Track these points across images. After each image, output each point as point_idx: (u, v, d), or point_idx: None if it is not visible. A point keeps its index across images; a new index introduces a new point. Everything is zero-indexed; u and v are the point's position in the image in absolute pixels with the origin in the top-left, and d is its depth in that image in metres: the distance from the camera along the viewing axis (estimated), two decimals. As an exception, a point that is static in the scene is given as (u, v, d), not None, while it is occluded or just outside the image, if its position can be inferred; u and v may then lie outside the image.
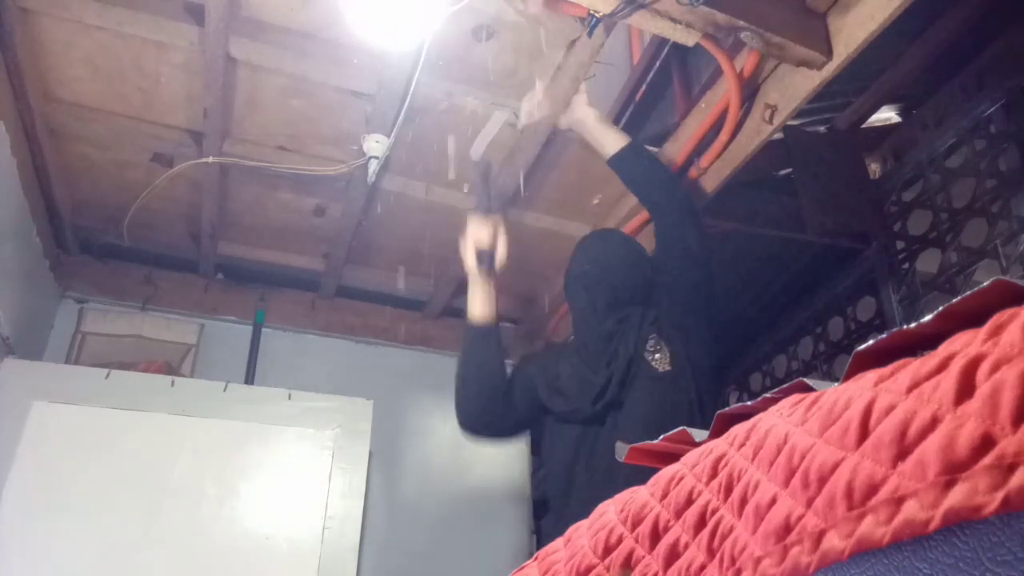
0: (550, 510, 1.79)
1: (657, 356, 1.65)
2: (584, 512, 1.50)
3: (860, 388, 0.52)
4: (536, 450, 2.04)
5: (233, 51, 1.68)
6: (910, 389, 0.47)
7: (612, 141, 1.79)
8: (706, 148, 1.81)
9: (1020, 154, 1.91)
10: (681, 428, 0.83)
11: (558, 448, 1.72)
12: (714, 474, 0.65)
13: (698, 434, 0.80)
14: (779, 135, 1.92)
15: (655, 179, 1.77)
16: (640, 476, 1.36)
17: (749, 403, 0.73)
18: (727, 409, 0.76)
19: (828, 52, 1.44)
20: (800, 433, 0.55)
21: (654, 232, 1.81)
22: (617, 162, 1.78)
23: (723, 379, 3.13)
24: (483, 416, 1.83)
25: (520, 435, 2.08)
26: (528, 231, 2.35)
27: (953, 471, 0.40)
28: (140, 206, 2.15)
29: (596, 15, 1.42)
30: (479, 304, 1.85)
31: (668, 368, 1.64)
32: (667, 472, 0.73)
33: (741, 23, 1.39)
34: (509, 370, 1.88)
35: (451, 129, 1.95)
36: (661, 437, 0.86)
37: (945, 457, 0.41)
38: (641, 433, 1.56)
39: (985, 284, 0.49)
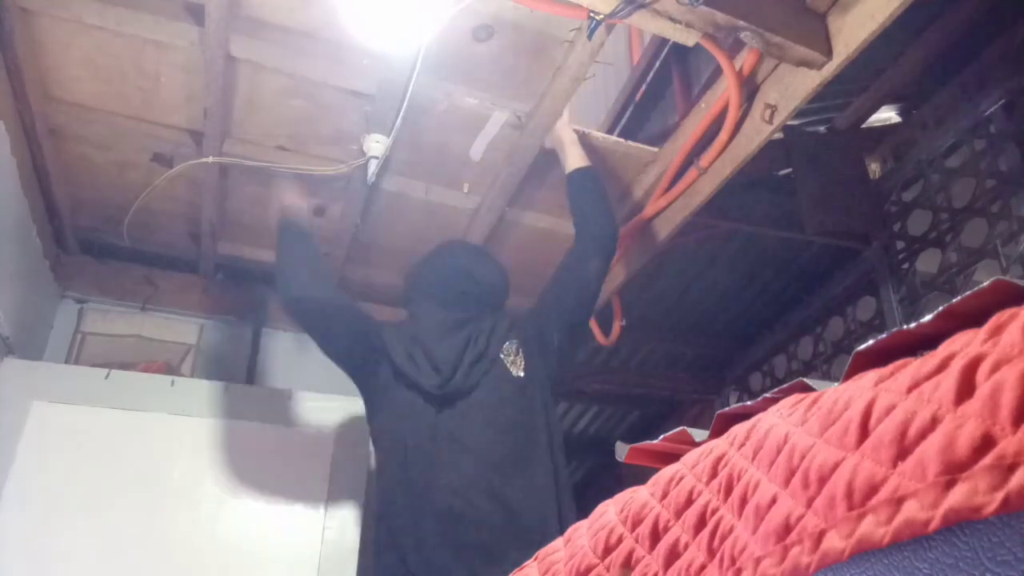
0: (407, 482, 1.64)
1: (513, 360, 1.76)
2: (453, 483, 1.59)
3: (860, 388, 0.52)
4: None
5: (233, 50, 1.67)
6: (910, 389, 0.47)
7: (578, 160, 1.90)
8: (706, 148, 1.81)
9: (1020, 154, 1.91)
10: (681, 428, 0.83)
11: (410, 423, 1.71)
12: (714, 474, 0.65)
13: (698, 434, 0.80)
14: (779, 135, 1.92)
15: (596, 206, 1.87)
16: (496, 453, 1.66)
17: (749, 403, 0.73)
18: (727, 409, 0.76)
19: (828, 52, 1.44)
20: (800, 433, 0.55)
21: (570, 248, 1.91)
22: (573, 176, 1.89)
23: (723, 379, 3.14)
24: (310, 286, 1.82)
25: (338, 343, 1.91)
26: (528, 231, 2.35)
27: (953, 471, 0.40)
28: (140, 206, 2.15)
29: (596, 16, 1.42)
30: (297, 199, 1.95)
31: (521, 374, 1.75)
32: (667, 472, 0.73)
33: (741, 23, 1.39)
34: None
35: (451, 129, 1.95)
36: (661, 437, 0.86)
37: (945, 457, 0.41)
38: (486, 427, 1.66)
39: (985, 284, 0.49)
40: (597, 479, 3.95)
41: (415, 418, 1.70)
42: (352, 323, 1.82)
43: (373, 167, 1.93)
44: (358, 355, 1.80)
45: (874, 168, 2.40)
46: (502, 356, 1.75)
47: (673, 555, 0.63)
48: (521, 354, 1.77)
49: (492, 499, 1.59)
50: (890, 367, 0.52)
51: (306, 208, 1.99)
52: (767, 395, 0.70)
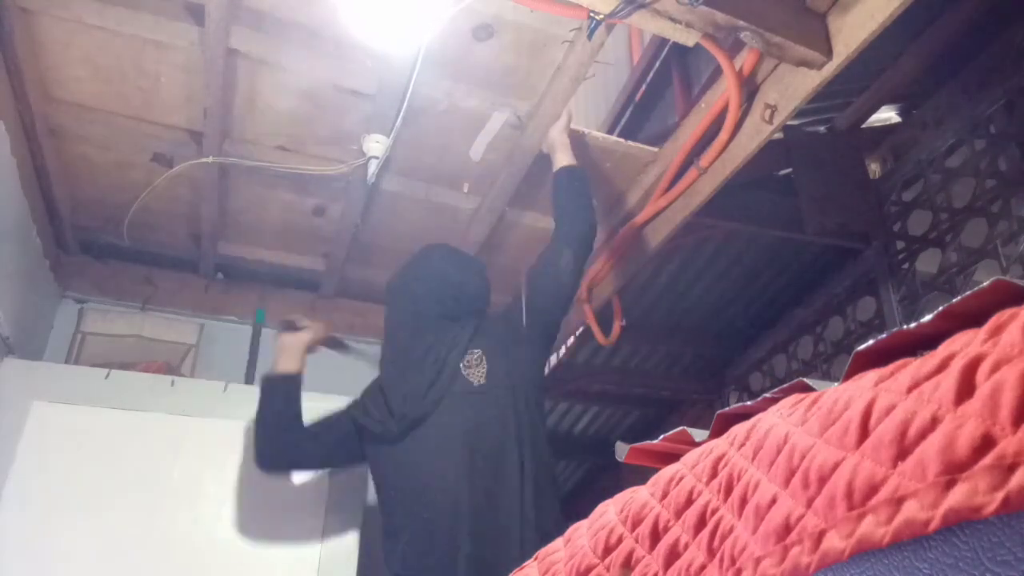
0: (398, 529, 1.66)
1: (473, 369, 1.73)
2: (427, 517, 1.60)
3: (860, 388, 0.52)
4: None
5: (233, 42, 1.66)
6: (910, 389, 0.47)
7: (566, 160, 1.89)
8: (706, 148, 1.81)
9: (1020, 154, 1.91)
10: (681, 428, 0.83)
11: (386, 469, 1.74)
12: (714, 474, 0.65)
13: (698, 434, 0.80)
14: (779, 135, 1.92)
15: (575, 202, 1.86)
16: (459, 469, 1.68)
17: (749, 403, 0.73)
18: (727, 409, 0.76)
19: (828, 52, 1.44)
20: (800, 433, 0.55)
21: (549, 243, 1.90)
22: (559, 174, 1.88)
23: (723, 379, 3.14)
24: (279, 457, 1.84)
25: (333, 467, 2.02)
26: (528, 231, 2.35)
27: (953, 471, 0.40)
28: (140, 206, 2.15)
29: (596, 16, 1.42)
30: (293, 362, 1.90)
31: (483, 382, 1.71)
32: (667, 472, 0.73)
33: (741, 23, 1.39)
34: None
35: (451, 129, 1.95)
36: (661, 437, 0.86)
37: (945, 457, 0.41)
38: (445, 447, 1.63)
39: (985, 284, 0.49)
40: (597, 479, 3.95)
41: (388, 462, 1.73)
42: (330, 446, 1.83)
43: (373, 167, 1.93)
44: (349, 454, 1.83)
45: (874, 168, 2.40)
46: (462, 367, 1.72)
47: (673, 555, 0.63)
48: (484, 361, 1.74)
49: (462, 518, 1.57)
50: (890, 367, 0.52)
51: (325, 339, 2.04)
52: (767, 395, 0.70)
